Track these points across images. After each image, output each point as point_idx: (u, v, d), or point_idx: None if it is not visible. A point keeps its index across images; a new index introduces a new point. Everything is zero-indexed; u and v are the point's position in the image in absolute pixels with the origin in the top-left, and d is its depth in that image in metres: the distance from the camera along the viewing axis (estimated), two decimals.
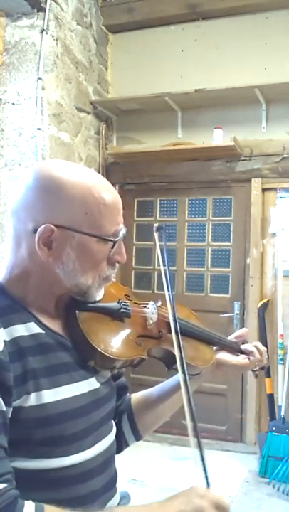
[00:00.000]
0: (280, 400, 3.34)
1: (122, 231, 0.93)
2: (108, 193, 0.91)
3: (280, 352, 3.39)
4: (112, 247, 0.92)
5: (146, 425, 1.14)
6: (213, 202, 3.82)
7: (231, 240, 3.75)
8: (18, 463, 0.81)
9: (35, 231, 0.87)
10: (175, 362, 1.02)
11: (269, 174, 3.56)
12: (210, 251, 3.81)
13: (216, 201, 3.82)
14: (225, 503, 0.79)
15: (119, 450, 1.09)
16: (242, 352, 1.21)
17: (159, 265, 1.10)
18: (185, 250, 3.88)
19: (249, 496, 2.92)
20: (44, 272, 0.90)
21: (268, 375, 3.37)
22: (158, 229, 1.10)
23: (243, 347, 1.22)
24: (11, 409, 0.79)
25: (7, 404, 0.79)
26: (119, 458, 1.13)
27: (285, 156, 3.50)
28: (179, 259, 3.88)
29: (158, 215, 3.97)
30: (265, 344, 3.42)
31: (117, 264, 0.96)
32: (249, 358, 1.20)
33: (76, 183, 0.89)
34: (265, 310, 3.53)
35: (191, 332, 1.13)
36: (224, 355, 1.19)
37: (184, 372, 0.93)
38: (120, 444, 1.11)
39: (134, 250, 3.99)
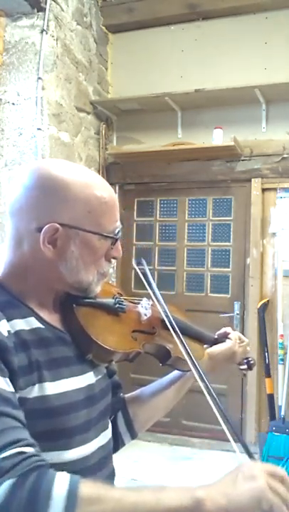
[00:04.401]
0: (280, 400, 3.34)
1: (119, 228, 0.97)
2: (106, 191, 0.95)
3: (280, 352, 3.39)
4: (113, 244, 0.95)
5: (141, 423, 1.15)
6: (213, 202, 3.82)
7: (231, 240, 3.75)
8: None
9: (39, 230, 0.88)
10: (169, 357, 1.07)
11: (269, 174, 3.56)
12: (210, 251, 3.81)
13: (216, 201, 3.82)
14: (280, 471, 0.74)
15: (115, 449, 1.09)
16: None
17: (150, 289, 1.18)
18: (185, 250, 3.88)
19: None
20: (46, 269, 0.91)
21: (268, 375, 3.37)
22: (138, 263, 1.20)
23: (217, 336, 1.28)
24: (18, 394, 0.79)
25: (14, 388, 0.79)
26: (119, 458, 1.12)
27: (285, 156, 3.50)
28: (179, 259, 3.88)
29: (158, 215, 3.97)
30: (265, 344, 3.44)
31: (113, 260, 1.00)
32: (230, 339, 1.24)
33: (77, 182, 0.91)
34: (265, 310, 3.53)
35: (182, 329, 1.15)
36: (212, 348, 1.23)
37: (191, 359, 0.98)
38: (117, 443, 1.11)
39: (134, 250, 3.99)
